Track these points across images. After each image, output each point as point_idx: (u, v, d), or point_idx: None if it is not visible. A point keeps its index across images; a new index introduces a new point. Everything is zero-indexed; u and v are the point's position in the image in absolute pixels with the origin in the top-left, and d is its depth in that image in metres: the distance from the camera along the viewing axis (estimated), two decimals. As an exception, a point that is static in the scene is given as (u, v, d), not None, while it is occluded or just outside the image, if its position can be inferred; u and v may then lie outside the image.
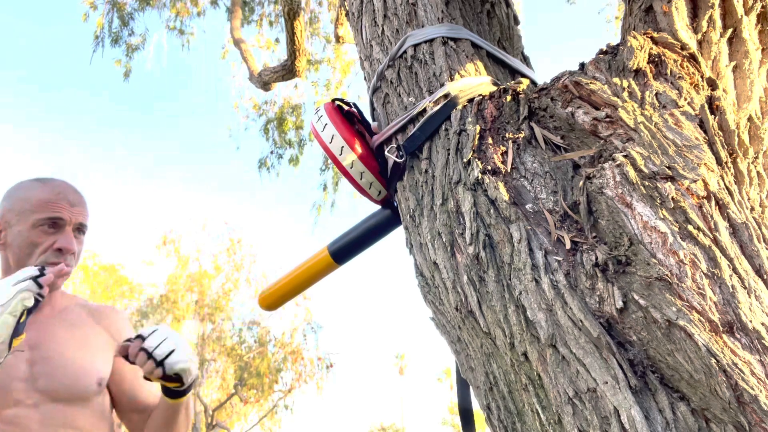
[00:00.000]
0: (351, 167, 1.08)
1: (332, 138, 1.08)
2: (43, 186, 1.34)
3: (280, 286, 1.21)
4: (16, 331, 1.11)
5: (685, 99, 0.84)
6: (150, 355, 1.16)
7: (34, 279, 1.13)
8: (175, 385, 1.22)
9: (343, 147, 1.07)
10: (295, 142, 7.03)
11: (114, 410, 1.42)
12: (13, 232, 1.31)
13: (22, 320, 1.10)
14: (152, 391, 1.41)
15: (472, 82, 1.01)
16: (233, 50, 7.08)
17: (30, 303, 1.12)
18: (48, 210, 1.30)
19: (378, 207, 1.17)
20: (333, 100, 1.17)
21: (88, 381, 1.30)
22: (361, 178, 1.09)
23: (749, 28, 0.95)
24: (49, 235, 1.29)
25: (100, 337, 1.38)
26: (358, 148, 1.08)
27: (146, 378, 1.20)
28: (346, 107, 1.16)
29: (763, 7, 0.96)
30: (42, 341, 1.30)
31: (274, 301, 1.22)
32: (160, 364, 1.16)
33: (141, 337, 1.18)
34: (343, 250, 1.17)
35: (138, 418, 1.40)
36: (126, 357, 1.18)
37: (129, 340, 1.19)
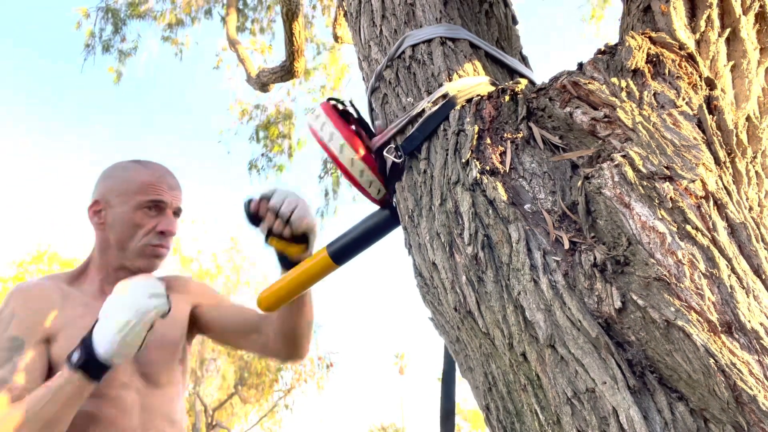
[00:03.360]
0: (351, 165, 1.08)
1: (331, 136, 1.08)
2: (145, 168, 1.36)
3: (279, 287, 1.21)
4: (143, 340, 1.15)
5: (684, 99, 0.84)
6: (277, 214, 1.16)
7: (168, 297, 1.17)
8: (301, 249, 1.21)
9: (342, 145, 1.07)
10: (285, 148, 7.04)
11: (232, 344, 1.46)
12: (114, 213, 1.32)
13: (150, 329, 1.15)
14: (251, 309, 1.44)
15: (471, 82, 1.01)
16: (226, 59, 7.08)
17: (160, 316, 1.16)
18: (151, 192, 1.32)
19: (377, 207, 1.17)
20: (329, 99, 1.17)
21: (176, 358, 1.35)
22: (361, 176, 1.09)
23: (747, 27, 0.95)
24: (152, 218, 1.32)
25: (179, 306, 1.41)
26: (358, 146, 1.08)
27: (271, 241, 1.19)
28: (341, 106, 1.15)
29: (761, 6, 0.96)
30: None
31: (273, 302, 1.22)
32: (287, 222, 1.16)
33: (264, 198, 1.18)
34: (342, 251, 1.17)
35: (257, 335, 1.41)
36: (252, 218, 1.18)
37: (251, 200, 1.18)
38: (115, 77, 6.48)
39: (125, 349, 1.11)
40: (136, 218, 1.30)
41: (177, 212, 1.38)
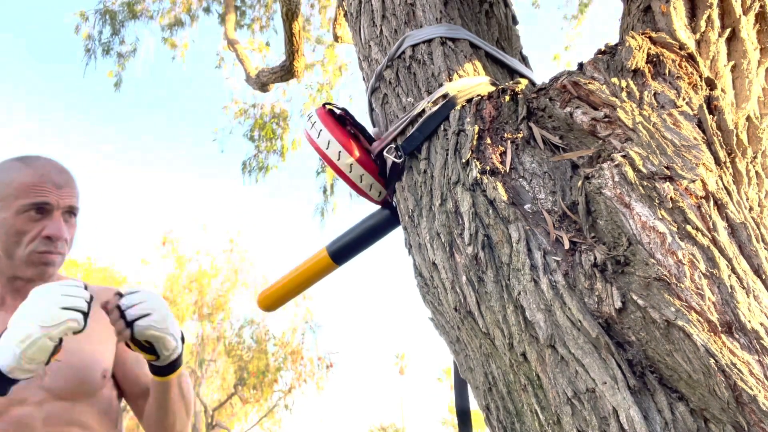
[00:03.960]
0: (350, 171, 1.07)
1: (328, 143, 1.07)
2: (26, 167, 1.23)
3: (279, 286, 1.21)
4: (54, 350, 1.05)
5: (684, 99, 0.84)
6: (122, 314, 1.07)
7: (84, 314, 1.05)
8: (151, 358, 1.13)
9: (340, 152, 1.06)
10: (278, 149, 7.03)
11: (122, 399, 1.35)
12: None
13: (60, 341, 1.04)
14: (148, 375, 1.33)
15: (471, 82, 1.01)
16: (227, 57, 7.07)
17: (71, 333, 1.04)
18: (32, 195, 1.18)
19: (377, 207, 1.17)
20: (324, 105, 1.17)
21: (92, 376, 1.24)
22: (361, 181, 1.09)
23: (747, 27, 0.95)
24: (36, 222, 1.20)
25: (101, 324, 1.27)
26: (355, 151, 1.07)
27: (126, 344, 1.10)
28: (337, 110, 1.15)
29: (761, 6, 0.96)
30: None
31: (273, 301, 1.22)
32: (129, 325, 1.06)
33: (120, 295, 1.09)
34: (343, 251, 1.17)
35: (143, 403, 1.32)
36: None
37: (108, 302, 1.10)
38: (115, 83, 6.48)
39: (26, 364, 1.01)
40: (18, 224, 1.19)
41: (71, 211, 1.26)
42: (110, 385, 1.31)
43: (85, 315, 1.05)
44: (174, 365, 1.18)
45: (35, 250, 1.20)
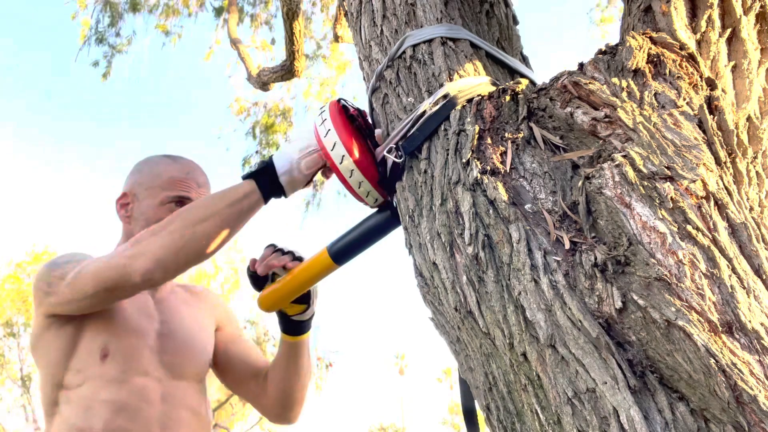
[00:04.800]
0: (350, 176, 1.07)
1: (334, 145, 1.06)
2: (174, 163, 1.35)
3: (279, 287, 1.20)
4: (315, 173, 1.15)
5: (684, 99, 0.84)
6: (278, 249, 1.19)
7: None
8: (301, 308, 1.23)
9: (343, 156, 1.05)
10: (278, 145, 7.03)
11: (228, 384, 1.44)
12: (140, 207, 1.31)
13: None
14: (261, 354, 1.44)
15: (471, 82, 1.01)
16: (218, 52, 7.07)
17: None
18: (177, 188, 1.31)
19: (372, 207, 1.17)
20: (338, 100, 1.16)
21: (205, 361, 1.34)
22: (359, 187, 1.08)
23: (748, 28, 0.95)
24: None
25: (205, 315, 1.40)
26: (359, 156, 1.06)
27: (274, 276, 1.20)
28: (351, 108, 1.14)
29: (762, 7, 0.96)
30: (167, 316, 1.31)
31: (273, 302, 1.22)
32: (296, 258, 1.19)
33: (273, 246, 1.22)
34: (343, 251, 1.16)
35: (255, 384, 1.40)
36: (253, 276, 1.20)
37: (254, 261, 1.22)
38: (104, 75, 6.47)
39: (299, 171, 1.10)
40: (160, 213, 1.29)
41: None
42: (207, 373, 1.40)
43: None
44: (310, 322, 1.29)
45: None
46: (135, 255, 1.05)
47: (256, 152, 7.18)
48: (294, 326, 1.29)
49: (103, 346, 1.17)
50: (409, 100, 1.06)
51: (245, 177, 1.13)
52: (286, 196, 1.14)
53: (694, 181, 0.73)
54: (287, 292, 1.20)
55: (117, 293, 1.09)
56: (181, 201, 1.30)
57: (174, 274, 1.09)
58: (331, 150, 1.06)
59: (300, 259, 1.20)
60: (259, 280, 1.22)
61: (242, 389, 1.43)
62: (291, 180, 1.11)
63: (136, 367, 1.20)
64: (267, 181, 1.11)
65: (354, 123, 1.11)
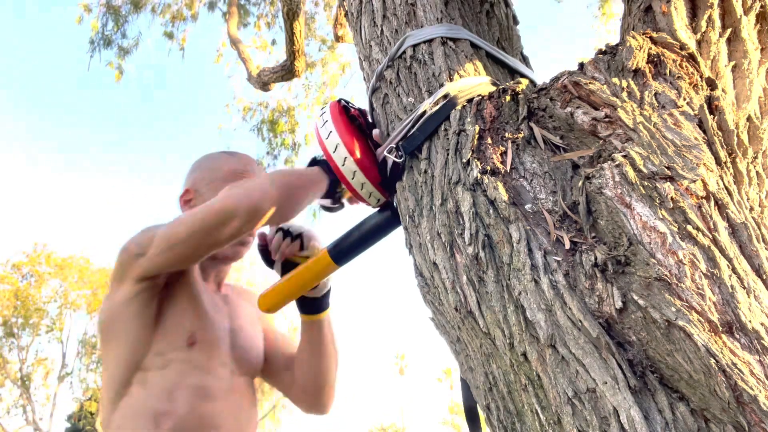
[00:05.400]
0: (352, 178, 1.07)
1: (336, 147, 1.06)
2: (232, 157, 1.39)
3: (280, 287, 1.20)
4: None
5: (684, 99, 0.84)
6: (287, 233, 1.23)
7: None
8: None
9: (346, 158, 1.06)
10: (289, 145, 7.03)
11: (264, 377, 1.45)
12: (203, 201, 1.31)
13: None
14: (292, 343, 1.46)
15: (472, 82, 1.01)
16: (227, 54, 7.08)
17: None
18: (238, 180, 1.30)
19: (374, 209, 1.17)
20: (339, 101, 1.16)
21: (260, 358, 1.37)
22: (361, 189, 1.08)
23: (748, 27, 0.95)
24: None
25: (255, 314, 1.43)
26: (360, 157, 1.06)
27: (286, 262, 1.24)
28: (352, 109, 1.14)
29: (762, 7, 0.96)
30: (233, 313, 1.34)
31: (274, 303, 1.22)
32: (296, 237, 1.22)
33: (280, 229, 1.24)
34: (344, 252, 1.16)
35: (287, 374, 1.41)
36: (264, 250, 1.24)
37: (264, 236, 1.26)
38: (117, 74, 6.48)
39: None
40: None
41: None
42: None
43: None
44: (327, 299, 1.31)
45: None
46: (235, 195, 1.08)
47: (267, 153, 7.20)
48: (311, 304, 1.30)
49: (191, 334, 1.19)
50: (409, 100, 1.06)
51: (310, 164, 1.19)
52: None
53: (694, 181, 0.73)
54: (288, 293, 1.20)
55: (214, 236, 1.09)
56: None
57: (273, 220, 1.12)
58: (334, 152, 1.06)
59: (306, 241, 1.23)
60: (270, 258, 1.24)
61: (276, 380, 1.44)
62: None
63: (218, 357, 1.22)
64: (329, 171, 1.16)
65: (355, 123, 1.11)
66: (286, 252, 1.22)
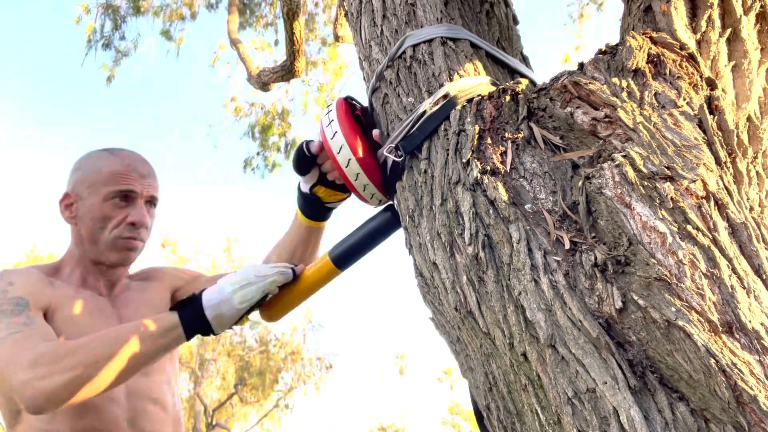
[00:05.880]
0: (355, 179, 1.06)
1: (341, 148, 1.06)
2: (113, 157, 1.31)
3: (282, 296, 1.19)
4: (250, 310, 1.13)
5: (684, 99, 0.84)
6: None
7: (293, 269, 1.16)
8: (344, 197, 1.23)
9: (350, 159, 1.05)
10: (281, 147, 7.02)
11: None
12: (84, 206, 1.28)
13: (259, 303, 1.14)
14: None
15: (471, 82, 1.01)
16: (224, 56, 7.08)
17: (275, 290, 1.15)
18: (119, 183, 1.26)
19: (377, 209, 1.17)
20: (345, 98, 1.14)
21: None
22: (364, 190, 1.08)
23: (748, 27, 0.95)
24: (121, 209, 1.27)
25: (161, 294, 1.39)
26: (364, 158, 1.06)
27: (318, 189, 1.21)
28: (358, 106, 1.13)
29: (762, 6, 0.96)
30: (125, 311, 1.30)
31: (276, 311, 1.20)
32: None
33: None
34: (345, 256, 1.16)
35: None
36: (307, 162, 1.18)
37: (310, 141, 1.19)
38: (108, 78, 6.49)
39: (230, 305, 1.07)
40: (105, 210, 1.26)
41: (151, 201, 1.33)
42: (173, 357, 1.38)
43: (294, 272, 1.16)
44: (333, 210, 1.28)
45: (120, 235, 1.27)
46: (28, 382, 0.99)
47: (258, 153, 7.19)
48: (324, 212, 1.27)
49: None
50: (409, 100, 1.06)
51: (172, 307, 1.10)
52: (214, 334, 1.10)
53: (694, 181, 0.73)
54: (290, 301, 1.18)
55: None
56: (125, 195, 1.27)
57: (66, 404, 1.03)
58: (338, 153, 1.06)
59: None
60: (306, 166, 1.17)
61: None
62: (218, 315, 1.08)
63: None
64: (192, 316, 1.07)
65: (360, 123, 1.11)
66: (330, 174, 1.17)
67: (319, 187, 1.22)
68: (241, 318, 1.11)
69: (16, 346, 1.04)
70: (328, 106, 1.12)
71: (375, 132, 1.11)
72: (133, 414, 1.20)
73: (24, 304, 1.14)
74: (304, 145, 1.16)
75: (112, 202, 1.26)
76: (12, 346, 1.05)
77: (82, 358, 1.01)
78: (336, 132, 1.07)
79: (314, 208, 1.27)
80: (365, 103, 1.21)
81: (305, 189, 1.23)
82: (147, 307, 1.33)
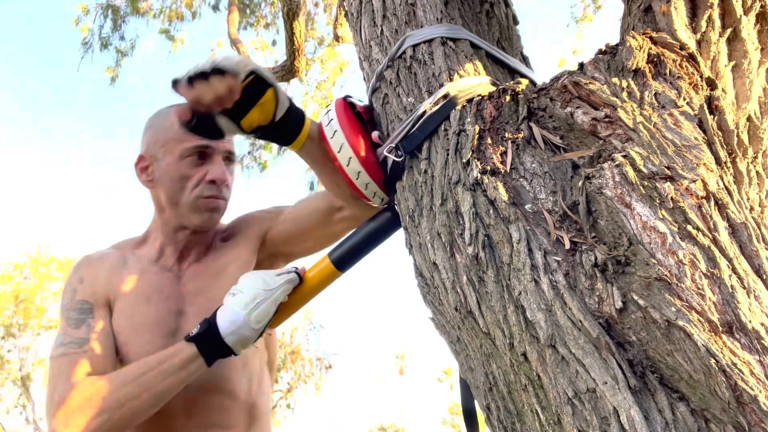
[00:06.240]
0: (357, 178, 1.06)
1: (341, 147, 1.05)
2: None
3: (282, 305, 1.17)
4: (270, 321, 1.10)
5: (684, 99, 0.84)
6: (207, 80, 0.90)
7: (297, 272, 1.11)
8: (270, 102, 0.97)
9: (350, 158, 1.05)
10: (272, 148, 7.02)
11: (336, 236, 1.24)
12: (160, 167, 1.21)
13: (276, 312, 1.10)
14: (309, 197, 1.30)
15: (471, 82, 1.01)
16: (221, 52, 7.08)
17: (286, 298, 1.11)
18: (194, 137, 1.11)
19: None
20: (345, 97, 1.14)
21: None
22: (365, 189, 1.08)
23: (748, 27, 0.95)
24: (199, 167, 1.19)
25: (243, 257, 1.27)
26: (366, 158, 1.05)
27: (244, 122, 0.95)
28: (358, 105, 1.12)
29: (762, 6, 0.96)
30: (192, 290, 1.23)
31: (278, 316, 1.19)
32: (216, 71, 0.89)
33: (183, 82, 0.90)
34: (345, 257, 1.15)
35: (341, 212, 1.22)
36: (200, 122, 0.92)
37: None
38: (111, 78, 6.49)
39: (248, 328, 1.04)
40: (182, 169, 1.18)
41: (229, 157, 1.23)
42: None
43: (299, 275, 1.11)
44: (301, 116, 1.05)
45: (201, 195, 1.20)
46: (56, 426, 1.00)
47: (248, 153, 7.18)
48: (284, 132, 1.03)
49: (119, 351, 1.15)
50: (409, 100, 1.06)
51: (188, 338, 1.06)
52: (237, 354, 1.08)
53: (694, 181, 0.73)
54: (291, 306, 1.17)
55: None
56: (202, 151, 1.18)
57: (134, 418, 1.03)
58: (338, 152, 1.05)
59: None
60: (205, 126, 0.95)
61: (335, 228, 1.24)
62: (241, 339, 1.06)
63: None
64: (211, 345, 1.05)
65: (360, 121, 1.11)
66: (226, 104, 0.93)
67: (246, 118, 0.96)
68: (261, 334, 1.09)
69: (60, 372, 1.06)
70: (327, 111, 1.11)
71: (375, 134, 1.11)
72: (192, 406, 1.16)
73: (87, 310, 1.14)
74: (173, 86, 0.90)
75: (190, 160, 1.19)
76: (58, 368, 1.07)
77: (107, 404, 1.01)
78: (336, 131, 1.06)
79: (276, 134, 1.04)
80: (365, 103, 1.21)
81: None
82: (216, 277, 1.23)
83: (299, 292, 1.16)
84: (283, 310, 1.16)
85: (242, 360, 1.22)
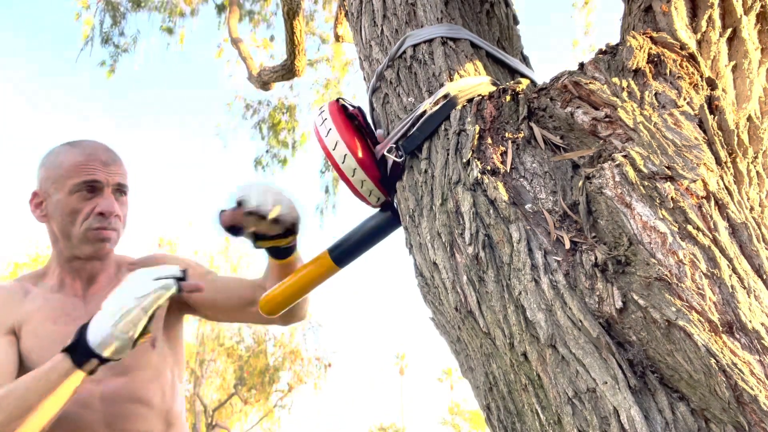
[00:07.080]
0: (353, 176, 1.07)
1: (336, 144, 1.06)
2: (74, 149, 1.28)
3: (281, 290, 1.19)
4: (144, 329, 1.09)
5: (685, 99, 0.84)
6: (262, 216, 1.09)
7: (177, 279, 1.11)
8: (292, 239, 1.20)
9: (345, 155, 1.05)
10: (288, 143, 7.04)
11: (225, 319, 1.41)
12: (53, 202, 1.26)
13: (152, 318, 1.09)
14: (243, 281, 1.41)
15: (472, 82, 1.01)
16: (228, 50, 7.09)
17: (165, 303, 1.10)
18: (82, 174, 1.24)
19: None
20: (337, 100, 1.15)
21: (142, 348, 1.27)
22: (361, 186, 1.08)
23: (749, 27, 0.95)
24: (89, 201, 1.25)
25: None
26: (361, 155, 1.06)
27: (260, 244, 1.17)
28: (350, 107, 1.14)
29: (762, 6, 0.96)
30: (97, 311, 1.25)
31: (275, 306, 1.21)
32: (274, 221, 1.11)
33: (240, 204, 1.08)
34: (344, 253, 1.16)
35: (252, 308, 1.34)
36: (231, 230, 1.10)
37: (223, 211, 1.09)
38: (108, 72, 6.48)
39: (116, 339, 1.05)
40: (72, 203, 1.24)
41: (120, 189, 1.30)
42: (160, 352, 1.33)
43: (178, 279, 1.10)
44: (295, 240, 1.23)
45: (90, 227, 1.25)
46: None
47: (267, 151, 7.22)
48: (284, 252, 1.23)
49: (27, 366, 1.16)
50: (409, 99, 1.06)
51: (63, 349, 1.07)
52: (117, 360, 1.09)
53: (694, 181, 0.73)
54: (289, 296, 1.19)
55: None
56: (91, 186, 1.25)
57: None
58: (333, 150, 1.06)
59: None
60: (234, 231, 1.12)
61: (242, 316, 1.40)
62: (115, 349, 1.06)
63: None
64: (84, 356, 1.06)
65: (354, 122, 1.11)
66: (262, 232, 1.14)
67: (260, 242, 1.18)
68: (142, 333, 1.09)
69: None
70: (321, 112, 1.12)
71: (379, 132, 1.12)
72: (111, 417, 1.20)
73: None
74: (218, 218, 1.10)
75: (79, 195, 1.24)
76: None
77: None
78: (330, 129, 1.07)
79: (279, 255, 1.24)
80: (365, 102, 1.21)
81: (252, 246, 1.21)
82: None
83: (297, 284, 1.18)
84: (282, 300, 1.19)
85: (154, 372, 1.29)
